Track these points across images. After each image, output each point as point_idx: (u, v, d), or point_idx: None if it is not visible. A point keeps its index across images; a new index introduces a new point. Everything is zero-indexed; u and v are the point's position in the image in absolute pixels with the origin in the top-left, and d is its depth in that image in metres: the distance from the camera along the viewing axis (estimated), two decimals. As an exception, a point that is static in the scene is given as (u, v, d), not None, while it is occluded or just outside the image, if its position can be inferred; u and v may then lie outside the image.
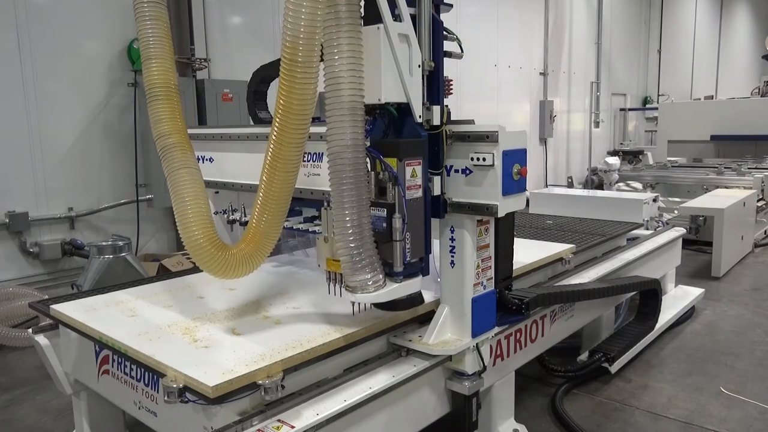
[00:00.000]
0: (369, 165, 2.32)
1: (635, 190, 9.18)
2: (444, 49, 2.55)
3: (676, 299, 5.26)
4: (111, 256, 4.86)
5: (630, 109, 15.76)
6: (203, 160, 3.63)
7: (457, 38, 2.67)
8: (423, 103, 2.43)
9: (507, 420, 3.18)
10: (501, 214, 2.46)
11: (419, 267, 2.49)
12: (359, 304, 2.54)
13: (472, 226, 2.59)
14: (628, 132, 15.64)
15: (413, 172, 2.36)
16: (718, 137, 11.27)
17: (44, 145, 5.60)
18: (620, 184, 9.56)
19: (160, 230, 6.53)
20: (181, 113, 2.59)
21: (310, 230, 2.89)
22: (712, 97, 15.62)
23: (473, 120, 2.68)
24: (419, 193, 2.40)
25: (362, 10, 2.28)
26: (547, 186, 12.01)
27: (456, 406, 2.78)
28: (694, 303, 5.35)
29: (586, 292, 3.63)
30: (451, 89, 2.60)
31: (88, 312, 2.83)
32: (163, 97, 2.54)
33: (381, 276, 2.35)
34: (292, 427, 2.07)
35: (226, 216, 3.38)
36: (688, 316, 5.20)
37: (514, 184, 2.48)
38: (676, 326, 4.97)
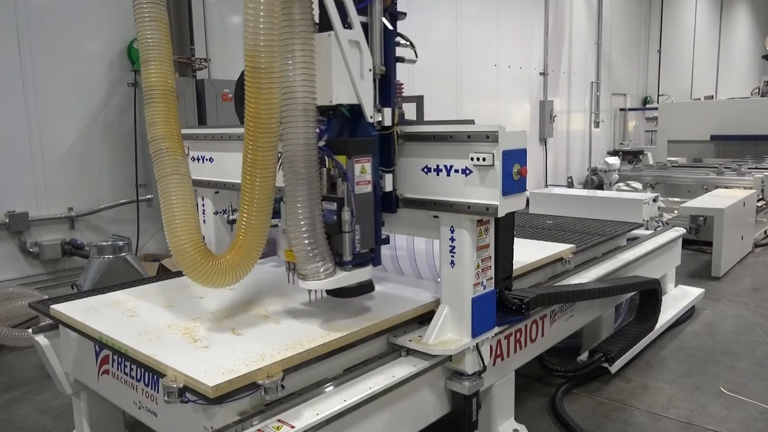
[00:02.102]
0: (326, 162, 2.47)
1: (635, 190, 9.17)
2: (397, 55, 2.71)
3: (676, 299, 5.26)
4: (111, 256, 4.86)
5: (630, 109, 15.75)
6: (203, 160, 3.64)
7: (411, 45, 2.78)
8: (375, 105, 2.56)
9: (507, 420, 3.18)
10: (501, 214, 2.47)
11: (369, 257, 2.62)
12: (316, 291, 2.75)
13: (472, 226, 2.59)
14: (628, 132, 15.64)
15: (362, 168, 2.49)
16: (718, 137, 11.26)
17: (44, 145, 5.60)
18: (620, 184, 9.55)
19: (160, 230, 6.51)
20: (176, 117, 2.63)
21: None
22: (712, 97, 15.63)
23: (473, 120, 2.68)
24: (369, 189, 2.52)
25: (317, 17, 2.45)
26: (547, 186, 12.01)
27: (456, 406, 2.78)
28: (694, 303, 5.35)
29: (586, 292, 3.63)
30: (403, 92, 2.77)
31: (88, 312, 2.83)
32: (160, 99, 2.57)
33: (331, 264, 2.48)
34: (292, 427, 2.07)
35: (226, 216, 3.38)
36: (688, 316, 5.20)
37: (514, 184, 2.49)
38: (676, 326, 4.97)
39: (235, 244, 2.48)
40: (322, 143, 2.50)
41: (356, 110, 2.55)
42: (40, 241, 5.58)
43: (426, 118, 7.89)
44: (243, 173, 2.39)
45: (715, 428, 3.43)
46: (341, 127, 2.62)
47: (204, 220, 3.76)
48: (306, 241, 2.40)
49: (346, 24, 2.46)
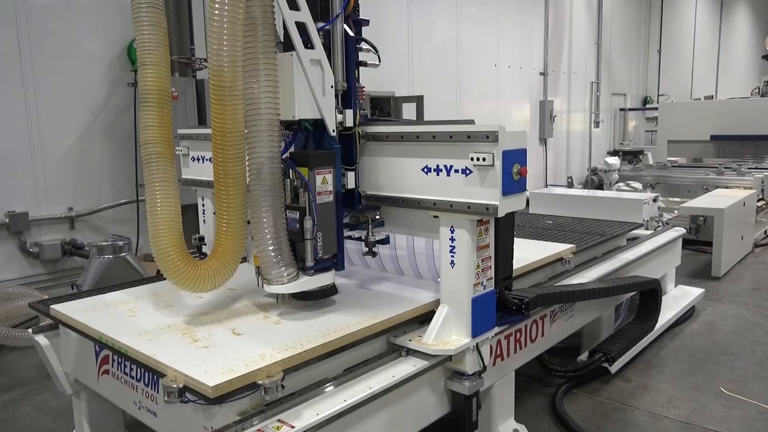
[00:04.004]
0: (290, 173, 2.61)
1: (635, 190, 9.17)
2: (360, 59, 2.87)
3: (676, 299, 5.25)
4: (111, 256, 4.86)
5: (630, 109, 15.76)
6: (203, 160, 3.64)
7: (375, 50, 2.93)
8: (336, 107, 2.71)
9: (507, 420, 3.18)
10: (501, 214, 2.47)
11: (331, 262, 2.76)
12: (282, 295, 2.83)
13: (471, 226, 2.59)
14: (628, 132, 15.64)
15: (324, 179, 2.62)
16: (718, 137, 11.26)
17: (44, 145, 5.60)
18: (620, 184, 9.55)
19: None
20: (170, 122, 2.73)
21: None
22: (712, 97, 15.62)
23: (473, 120, 2.68)
24: (330, 198, 2.65)
25: (282, 38, 2.62)
26: (547, 186, 12.01)
27: (456, 406, 2.78)
28: (694, 303, 5.35)
29: (586, 292, 3.63)
30: (364, 95, 2.93)
31: (88, 312, 2.83)
32: (156, 104, 2.67)
33: (294, 270, 2.63)
34: (292, 427, 2.07)
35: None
36: (688, 316, 5.20)
37: (514, 184, 2.49)
38: (676, 326, 4.97)
39: (216, 250, 2.60)
40: (286, 156, 2.65)
41: (320, 124, 2.69)
42: (40, 241, 5.58)
43: (426, 118, 7.89)
44: (216, 184, 2.55)
45: (715, 428, 3.43)
46: (306, 140, 2.78)
47: (204, 220, 3.76)
48: (270, 248, 2.54)
49: (308, 44, 2.59)
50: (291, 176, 2.61)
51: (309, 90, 2.59)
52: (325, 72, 2.63)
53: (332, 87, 2.67)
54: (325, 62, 2.63)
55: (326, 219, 2.63)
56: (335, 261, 2.77)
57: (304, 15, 2.56)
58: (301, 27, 2.56)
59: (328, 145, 2.72)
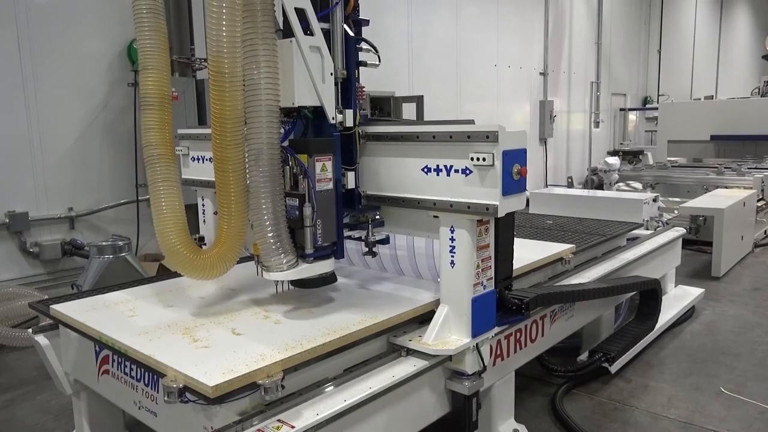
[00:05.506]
0: (291, 161, 2.60)
1: (635, 190, 9.17)
2: (360, 59, 2.87)
3: (676, 299, 5.26)
4: (111, 256, 4.86)
5: (630, 109, 15.76)
6: (203, 160, 3.64)
7: (375, 49, 2.93)
8: (337, 107, 2.71)
9: (507, 420, 3.18)
10: (501, 214, 2.47)
11: (331, 250, 2.75)
12: (282, 283, 2.91)
13: (471, 226, 2.59)
14: (628, 132, 15.64)
15: (323, 167, 2.61)
16: (718, 137, 11.26)
17: (44, 145, 5.60)
18: (620, 184, 9.55)
19: (160, 230, 6.51)
20: (170, 124, 2.77)
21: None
22: (712, 97, 15.62)
23: (473, 120, 2.69)
24: (330, 186, 2.65)
25: (281, 24, 2.61)
26: (547, 186, 12.01)
27: (456, 406, 2.78)
28: (694, 303, 5.35)
29: (586, 292, 3.63)
30: (364, 95, 2.93)
31: (88, 312, 2.83)
32: (157, 107, 2.70)
33: (293, 257, 2.62)
34: (292, 427, 2.07)
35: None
36: (688, 316, 5.21)
37: (514, 184, 2.49)
38: (676, 326, 4.97)
39: (220, 237, 2.63)
40: (285, 143, 2.64)
41: (319, 112, 2.69)
42: (40, 241, 5.58)
43: (426, 118, 7.89)
44: (215, 170, 2.57)
45: (715, 428, 3.43)
46: (306, 128, 2.77)
47: (204, 220, 3.76)
48: (269, 235, 2.54)
49: (308, 31, 2.58)
50: (290, 163, 2.59)
51: (308, 77, 2.59)
52: (325, 59, 2.63)
53: (332, 74, 2.66)
54: (324, 49, 2.62)
55: (326, 206, 2.63)
56: (335, 249, 2.76)
57: (304, 1, 2.56)
58: (301, 13, 2.55)
59: (328, 132, 2.71)
